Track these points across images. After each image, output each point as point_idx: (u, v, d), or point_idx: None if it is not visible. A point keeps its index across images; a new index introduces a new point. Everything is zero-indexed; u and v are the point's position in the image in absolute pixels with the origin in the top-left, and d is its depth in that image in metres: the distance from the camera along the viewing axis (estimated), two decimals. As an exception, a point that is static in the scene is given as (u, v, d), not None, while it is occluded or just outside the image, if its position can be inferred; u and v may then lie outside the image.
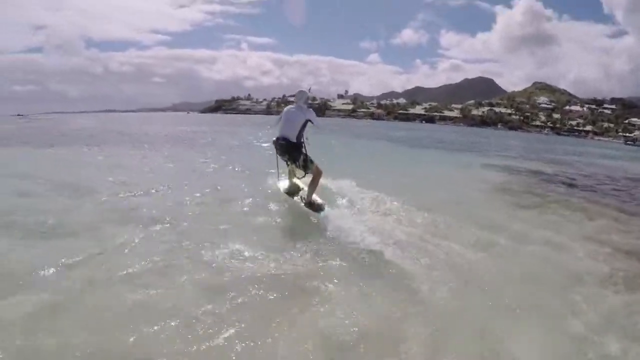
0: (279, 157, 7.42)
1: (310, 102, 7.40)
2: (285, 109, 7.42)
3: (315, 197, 7.14)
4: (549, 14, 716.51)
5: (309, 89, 7.48)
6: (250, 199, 7.68)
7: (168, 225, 6.01)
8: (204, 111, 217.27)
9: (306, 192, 7.16)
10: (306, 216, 6.75)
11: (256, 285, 4.18)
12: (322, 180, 7.44)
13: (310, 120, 7.10)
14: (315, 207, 6.89)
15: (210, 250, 5.02)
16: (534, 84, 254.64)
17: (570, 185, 13.17)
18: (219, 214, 6.78)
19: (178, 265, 4.59)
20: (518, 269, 5.13)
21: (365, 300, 4.10)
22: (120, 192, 8.02)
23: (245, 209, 7.16)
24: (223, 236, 5.57)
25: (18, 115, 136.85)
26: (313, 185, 7.07)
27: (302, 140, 7.07)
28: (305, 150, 7.08)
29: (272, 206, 7.31)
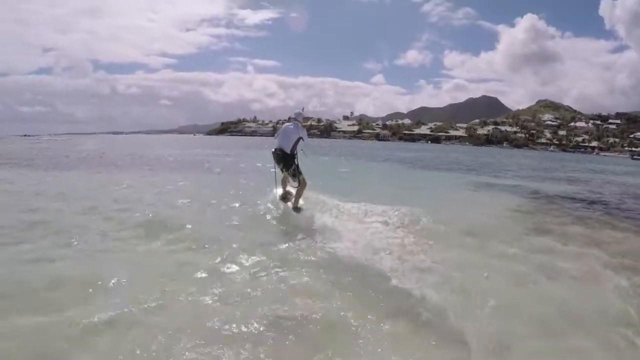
0: (276, 167, 9.02)
1: (305, 121, 9.16)
2: (284, 125, 9.16)
3: (301, 203, 8.77)
4: (552, 31, 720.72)
5: (303, 109, 9.27)
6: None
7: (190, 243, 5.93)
8: (209, 133, 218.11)
9: (297, 200, 8.76)
10: (334, 242, 6.57)
11: (276, 326, 3.82)
12: (349, 205, 9.04)
13: (302, 138, 8.73)
14: (300, 211, 8.49)
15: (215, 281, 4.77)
16: (539, 101, 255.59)
17: (590, 204, 13.02)
18: (234, 231, 6.91)
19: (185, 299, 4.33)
20: (556, 306, 4.63)
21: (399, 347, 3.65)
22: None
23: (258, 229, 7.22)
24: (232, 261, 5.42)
25: (24, 135, 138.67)
26: (299, 193, 8.76)
27: (295, 152, 8.72)
28: (297, 162, 8.76)
29: (295, 234, 7.07)
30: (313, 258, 5.74)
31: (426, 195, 13.44)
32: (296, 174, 8.70)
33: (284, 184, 9.31)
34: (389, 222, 8.09)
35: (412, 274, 5.27)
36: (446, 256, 6.08)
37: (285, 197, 9.17)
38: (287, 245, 6.33)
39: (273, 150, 8.85)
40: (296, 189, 8.83)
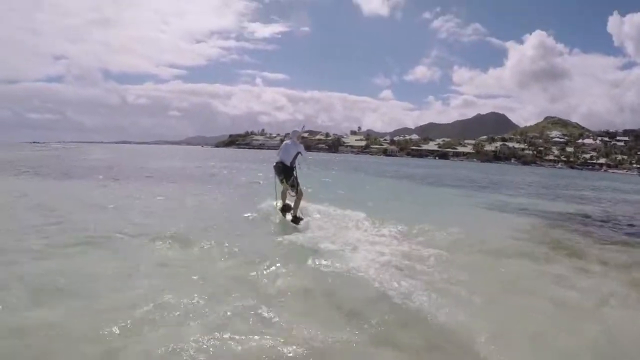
0: (276, 180, 10.02)
1: (302, 137, 10.36)
2: (284, 142, 10.28)
3: (299, 213, 9.51)
4: (560, 48, 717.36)
5: (303, 127, 10.76)
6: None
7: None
8: (217, 145, 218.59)
9: (296, 210, 9.53)
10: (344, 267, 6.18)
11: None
12: (362, 222, 9.41)
13: (300, 152, 9.87)
14: (298, 220, 9.24)
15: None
16: (546, 118, 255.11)
17: (605, 222, 13.02)
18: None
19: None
20: (595, 335, 4.33)
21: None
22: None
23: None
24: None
25: (33, 142, 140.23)
26: (297, 203, 9.61)
27: (294, 165, 9.80)
28: (296, 174, 9.76)
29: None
30: (326, 283, 5.46)
31: (439, 213, 13.34)
32: (295, 184, 9.69)
33: (283, 196, 10.01)
34: (403, 240, 7.93)
35: (435, 299, 4.94)
36: (468, 278, 5.86)
37: (285, 209, 9.90)
38: (300, 266, 6.13)
39: (275, 164, 9.99)
40: (294, 199, 9.73)
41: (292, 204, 9.73)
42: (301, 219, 9.29)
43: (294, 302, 4.76)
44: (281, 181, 9.82)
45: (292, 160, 9.77)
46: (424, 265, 6.40)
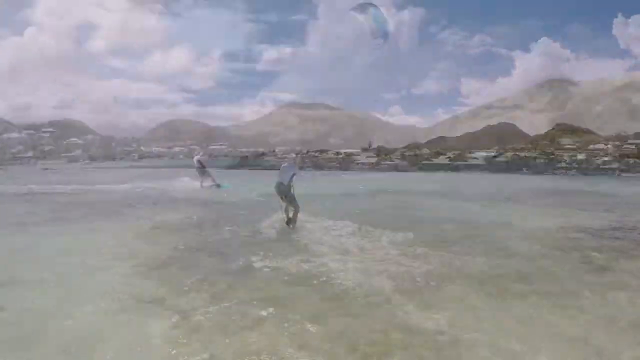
0: (279, 197, 12.06)
1: (299, 163, 13.15)
2: (282, 165, 12.90)
3: (295, 225, 11.71)
4: (567, 54, 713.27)
5: (307, 151, 19.39)
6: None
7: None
8: (229, 167, 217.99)
9: (294, 222, 11.89)
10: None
11: None
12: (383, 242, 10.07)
13: (295, 173, 12.12)
14: (296, 230, 11.44)
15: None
16: (556, 125, 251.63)
17: (630, 230, 13.25)
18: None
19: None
20: None
21: None
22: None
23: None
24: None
25: (45, 169, 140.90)
26: (295, 216, 12.08)
27: (291, 184, 11.98)
28: (293, 191, 11.98)
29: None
30: (342, 309, 5.32)
31: (468, 230, 13.40)
32: (292, 200, 11.89)
33: (286, 211, 12.19)
34: (430, 261, 7.82)
35: (475, 327, 4.73)
36: (509, 305, 5.72)
37: (288, 222, 11.94)
38: (314, 291, 6.07)
39: (275, 183, 12.07)
40: (293, 214, 11.89)
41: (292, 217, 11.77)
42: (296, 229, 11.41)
43: (309, 332, 4.60)
44: (281, 198, 12.12)
45: (289, 179, 11.96)
46: (456, 289, 6.33)
